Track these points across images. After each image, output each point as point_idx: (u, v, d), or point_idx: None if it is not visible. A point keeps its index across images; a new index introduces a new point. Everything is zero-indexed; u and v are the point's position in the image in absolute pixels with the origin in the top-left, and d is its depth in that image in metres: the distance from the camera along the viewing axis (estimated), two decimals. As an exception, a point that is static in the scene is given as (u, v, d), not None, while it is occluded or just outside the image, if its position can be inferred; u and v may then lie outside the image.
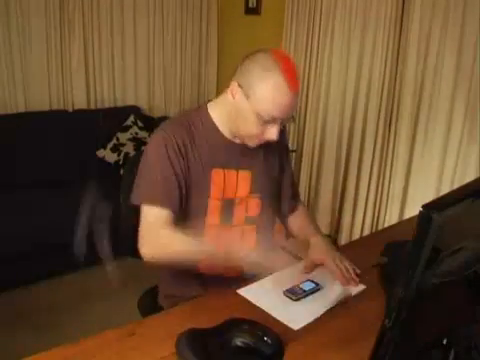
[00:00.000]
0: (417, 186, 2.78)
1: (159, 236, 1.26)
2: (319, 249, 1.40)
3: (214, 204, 1.35)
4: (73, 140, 3.23)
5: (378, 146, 2.95)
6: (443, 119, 2.58)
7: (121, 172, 3.15)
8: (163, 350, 1.02)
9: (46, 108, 3.33)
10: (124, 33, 3.56)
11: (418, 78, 2.68)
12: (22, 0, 3.08)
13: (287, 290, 1.25)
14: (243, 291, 1.26)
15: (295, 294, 1.24)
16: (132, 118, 3.44)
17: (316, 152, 3.30)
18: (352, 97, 3.03)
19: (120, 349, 1.03)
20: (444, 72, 2.54)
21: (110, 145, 3.31)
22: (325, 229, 3.25)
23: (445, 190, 2.58)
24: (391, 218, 2.95)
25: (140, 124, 3.44)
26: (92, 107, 3.53)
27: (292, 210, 1.58)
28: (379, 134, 2.93)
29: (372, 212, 3.06)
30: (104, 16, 3.43)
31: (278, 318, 1.14)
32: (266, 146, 1.39)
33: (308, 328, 1.12)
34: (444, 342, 0.92)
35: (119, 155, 3.30)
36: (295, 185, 1.63)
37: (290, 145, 3.13)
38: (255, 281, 1.29)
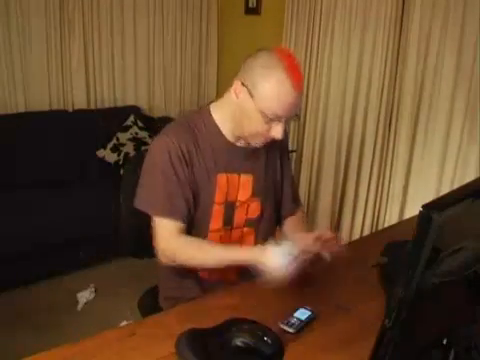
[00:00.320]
0: (417, 186, 2.77)
1: (177, 249, 1.28)
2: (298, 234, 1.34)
3: (217, 209, 1.34)
4: (73, 140, 3.22)
5: (378, 146, 2.94)
6: (443, 119, 2.58)
7: (121, 172, 3.15)
8: (163, 350, 1.02)
9: (46, 108, 3.33)
10: (124, 33, 3.56)
11: (418, 78, 2.67)
12: (22, 0, 3.08)
13: (282, 322, 1.13)
14: None
15: (292, 326, 1.12)
16: (132, 118, 3.43)
17: (316, 152, 3.29)
18: (352, 97, 3.03)
19: (120, 349, 1.04)
20: (444, 72, 2.54)
21: (110, 145, 3.31)
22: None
23: (445, 190, 2.58)
24: (391, 218, 2.94)
25: (140, 124, 3.44)
26: (92, 107, 3.53)
27: (291, 213, 1.56)
28: (379, 134, 2.92)
29: (372, 212, 3.05)
30: (104, 16, 3.43)
31: None
32: (268, 149, 1.38)
33: (308, 328, 1.12)
34: (444, 342, 0.92)
35: (119, 155, 3.30)
36: (295, 188, 1.62)
37: (290, 145, 3.12)
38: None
